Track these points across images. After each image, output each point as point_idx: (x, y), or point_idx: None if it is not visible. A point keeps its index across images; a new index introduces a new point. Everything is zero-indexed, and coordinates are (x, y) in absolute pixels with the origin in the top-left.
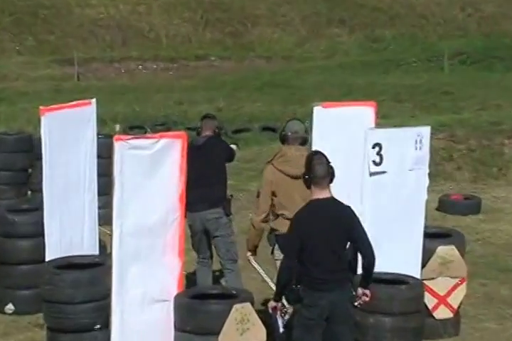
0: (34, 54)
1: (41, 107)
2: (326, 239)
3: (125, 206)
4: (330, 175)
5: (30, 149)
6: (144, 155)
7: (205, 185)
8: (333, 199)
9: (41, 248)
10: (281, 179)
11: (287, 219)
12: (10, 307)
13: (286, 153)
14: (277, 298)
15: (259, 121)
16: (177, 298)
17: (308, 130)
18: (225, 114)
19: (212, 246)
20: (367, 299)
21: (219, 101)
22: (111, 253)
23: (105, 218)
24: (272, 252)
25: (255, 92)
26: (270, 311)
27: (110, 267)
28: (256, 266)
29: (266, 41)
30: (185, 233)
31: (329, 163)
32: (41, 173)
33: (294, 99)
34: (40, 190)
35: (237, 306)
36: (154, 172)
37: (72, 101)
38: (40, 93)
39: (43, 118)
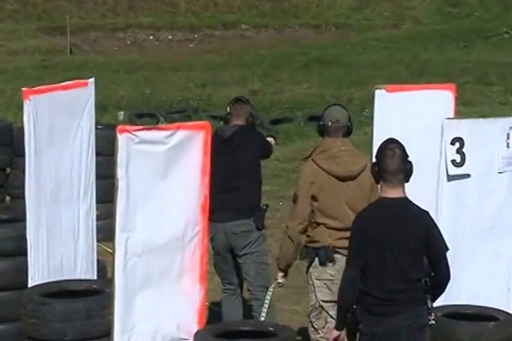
0: (16, 20)
1: (24, 89)
2: (389, 248)
3: (131, 217)
4: (404, 171)
5: (9, 142)
6: (157, 151)
7: (232, 188)
8: (406, 200)
9: (23, 270)
10: (325, 180)
11: (331, 228)
12: None
13: (330, 148)
14: (341, 326)
15: (303, 109)
16: (198, 336)
17: (353, 118)
18: (261, 99)
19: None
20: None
21: (253, 82)
22: (112, 278)
23: (105, 232)
24: (308, 270)
25: (300, 71)
26: None
27: (111, 296)
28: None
29: (313, 5)
30: (209, 252)
31: (406, 156)
32: (24, 174)
33: (349, 81)
34: (22, 196)
35: None
36: (169, 173)
37: (63, 81)
38: (23, 70)
39: (26, 103)
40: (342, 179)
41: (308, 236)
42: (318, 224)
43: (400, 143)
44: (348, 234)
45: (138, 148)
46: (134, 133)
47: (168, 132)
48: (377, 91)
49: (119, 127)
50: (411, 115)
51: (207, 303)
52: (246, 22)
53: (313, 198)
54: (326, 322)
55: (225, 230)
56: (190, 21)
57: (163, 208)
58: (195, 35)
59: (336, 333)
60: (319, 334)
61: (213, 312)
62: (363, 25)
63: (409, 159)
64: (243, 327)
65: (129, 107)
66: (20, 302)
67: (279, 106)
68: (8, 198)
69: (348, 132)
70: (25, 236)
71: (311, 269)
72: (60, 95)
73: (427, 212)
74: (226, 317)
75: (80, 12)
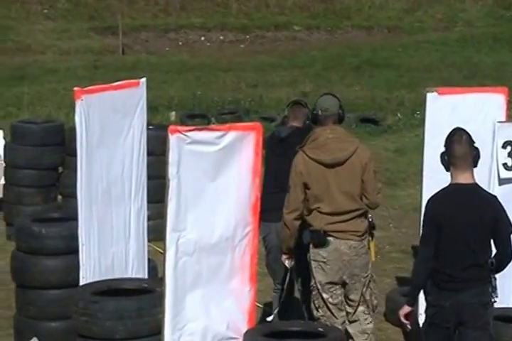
0: (67, 19)
1: (76, 88)
2: (461, 230)
3: (182, 217)
4: (472, 156)
5: (61, 142)
6: (208, 151)
7: (283, 188)
8: (476, 185)
9: (74, 268)
10: (314, 168)
11: (323, 213)
12: None
13: (318, 137)
14: (412, 302)
15: (355, 111)
16: (248, 336)
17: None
18: (312, 100)
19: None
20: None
21: (304, 84)
22: (163, 277)
23: (156, 232)
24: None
25: (351, 73)
26: (402, 319)
27: (162, 294)
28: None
29: (365, 7)
30: (260, 253)
31: (473, 142)
32: (75, 173)
33: (400, 83)
34: (74, 195)
35: None
36: (220, 173)
37: (115, 81)
38: (75, 70)
39: (78, 103)
40: (330, 166)
41: (304, 221)
42: (312, 209)
43: (465, 131)
44: (339, 218)
45: (189, 149)
46: (185, 133)
47: (220, 133)
48: (428, 94)
49: (171, 127)
50: (462, 118)
51: (258, 304)
52: (298, 23)
53: (306, 186)
54: (325, 303)
55: (278, 230)
56: (241, 22)
57: (214, 208)
58: (247, 36)
59: (407, 309)
60: (320, 312)
61: (264, 312)
62: (415, 27)
63: (476, 145)
64: (292, 328)
65: (180, 108)
66: (72, 300)
67: None
68: (59, 197)
69: (339, 119)
70: (76, 235)
71: (309, 251)
72: (112, 95)
73: (496, 197)
74: (277, 316)
75: (131, 12)
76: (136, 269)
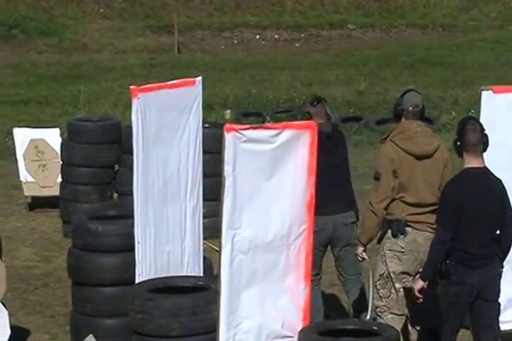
0: (123, 18)
1: (132, 87)
2: (480, 211)
3: (238, 215)
4: (483, 143)
5: (118, 140)
6: (263, 150)
7: (337, 182)
8: (487, 169)
9: (130, 266)
10: (404, 158)
11: (406, 203)
12: (90, 339)
13: (408, 129)
14: (426, 277)
15: None
16: (302, 334)
17: (458, 118)
18: (366, 98)
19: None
20: None
21: (359, 82)
22: (218, 275)
23: (211, 229)
24: (380, 241)
25: (405, 72)
26: (416, 294)
27: (217, 292)
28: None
29: (420, 5)
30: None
31: (483, 130)
32: (131, 171)
33: (455, 81)
34: (130, 193)
35: None
36: (275, 172)
37: (170, 79)
38: (131, 68)
39: (134, 101)
40: (419, 157)
41: (385, 209)
42: (395, 198)
43: (476, 119)
44: (420, 209)
45: (244, 147)
46: (241, 132)
47: (275, 131)
48: (483, 93)
49: (226, 126)
50: None
51: None
52: (352, 22)
53: (394, 174)
54: (391, 293)
55: (335, 222)
56: (296, 21)
57: (269, 206)
58: (302, 35)
59: (421, 283)
60: (382, 302)
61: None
62: (470, 25)
63: (486, 133)
64: (347, 326)
65: (235, 106)
66: (128, 297)
67: (385, 106)
68: (115, 195)
69: (422, 115)
70: (132, 233)
71: (384, 240)
72: (168, 93)
73: (501, 180)
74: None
75: (186, 11)
76: (191, 267)
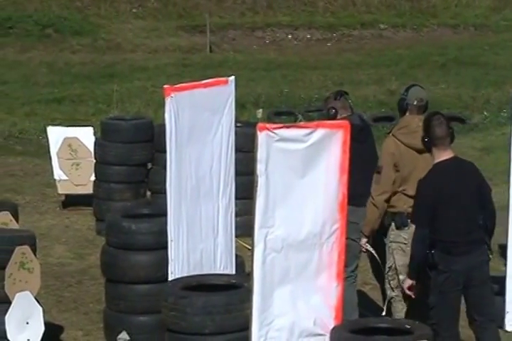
0: (156, 18)
1: (165, 86)
2: (457, 200)
3: (270, 213)
4: (450, 135)
5: (151, 139)
6: (296, 149)
7: (368, 175)
8: (456, 157)
9: (164, 263)
10: (404, 152)
11: (408, 195)
12: (123, 336)
13: (410, 124)
14: (413, 275)
15: (441, 109)
16: (335, 332)
17: (491, 118)
18: (398, 98)
19: None
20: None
21: (391, 82)
22: (251, 273)
23: (244, 228)
24: (385, 234)
25: (437, 71)
26: (407, 291)
27: (250, 290)
28: (373, 251)
29: (452, 5)
30: None
31: (449, 123)
32: (164, 170)
33: (487, 81)
34: (163, 191)
35: None
36: (308, 171)
37: (203, 79)
38: (163, 68)
39: (167, 100)
40: (420, 151)
41: (387, 202)
42: (397, 191)
43: (442, 113)
44: None
45: (277, 146)
46: (273, 131)
47: (307, 130)
48: None
49: (259, 125)
50: None
51: None
52: (384, 22)
53: (395, 167)
54: (400, 284)
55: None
56: (328, 21)
57: (302, 205)
58: (333, 35)
59: (408, 282)
60: (394, 292)
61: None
62: (502, 25)
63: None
64: (380, 324)
65: (267, 105)
66: (161, 295)
67: None
68: (148, 193)
69: (425, 110)
70: (165, 231)
71: (388, 232)
72: (201, 92)
73: (473, 163)
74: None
75: (219, 11)
76: (224, 265)
